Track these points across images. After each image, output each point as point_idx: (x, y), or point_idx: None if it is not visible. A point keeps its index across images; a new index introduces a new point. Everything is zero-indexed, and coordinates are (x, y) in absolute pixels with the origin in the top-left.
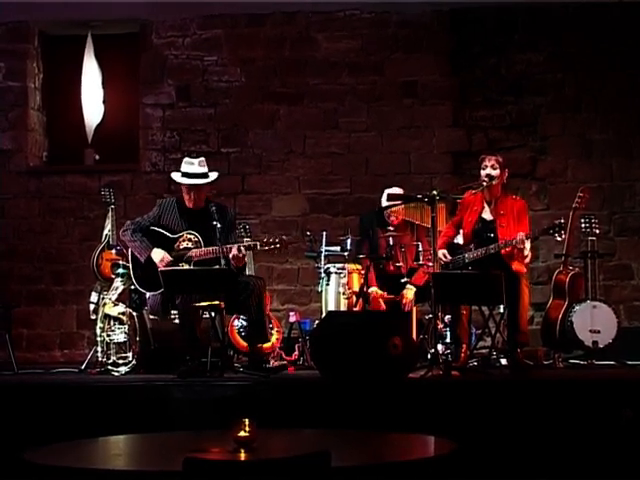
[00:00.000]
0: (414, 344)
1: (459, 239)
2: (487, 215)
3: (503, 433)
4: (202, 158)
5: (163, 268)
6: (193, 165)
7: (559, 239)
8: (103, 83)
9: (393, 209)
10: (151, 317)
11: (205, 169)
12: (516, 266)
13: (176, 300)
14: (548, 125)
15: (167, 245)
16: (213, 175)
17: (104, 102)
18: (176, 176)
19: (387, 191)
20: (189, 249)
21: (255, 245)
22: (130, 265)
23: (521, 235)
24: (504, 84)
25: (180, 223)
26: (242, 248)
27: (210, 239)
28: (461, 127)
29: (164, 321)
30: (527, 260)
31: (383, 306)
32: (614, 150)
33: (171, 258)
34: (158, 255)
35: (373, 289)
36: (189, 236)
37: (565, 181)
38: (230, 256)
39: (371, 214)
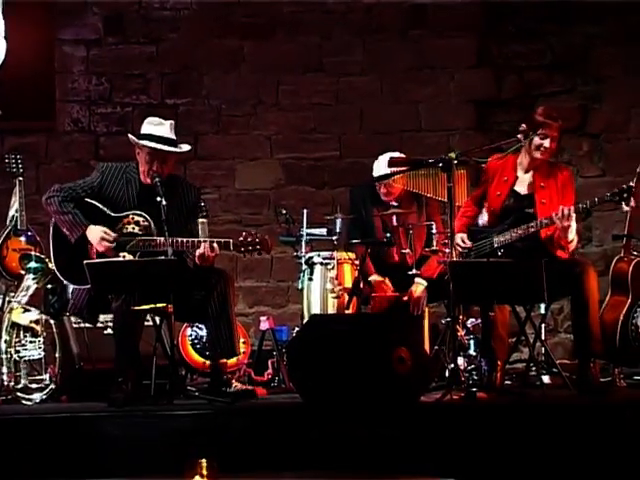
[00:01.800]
0: (427, 357)
1: (482, 218)
2: (522, 188)
3: (549, 476)
4: (172, 122)
5: (94, 260)
6: (163, 126)
7: (626, 209)
8: (3, 11)
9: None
10: (74, 322)
11: (174, 136)
12: (558, 254)
13: (112, 302)
14: (604, 63)
15: (105, 225)
16: (185, 146)
17: (5, 37)
18: (138, 138)
19: (383, 157)
20: (135, 235)
21: (227, 244)
22: (51, 246)
23: (565, 209)
24: (544, 9)
25: (130, 199)
26: (215, 245)
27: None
28: (488, 67)
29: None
30: (572, 246)
31: (391, 287)
32: None
33: (114, 235)
34: (96, 234)
35: (374, 277)
36: (137, 218)
37: (627, 137)
38: (197, 254)
39: (364, 186)
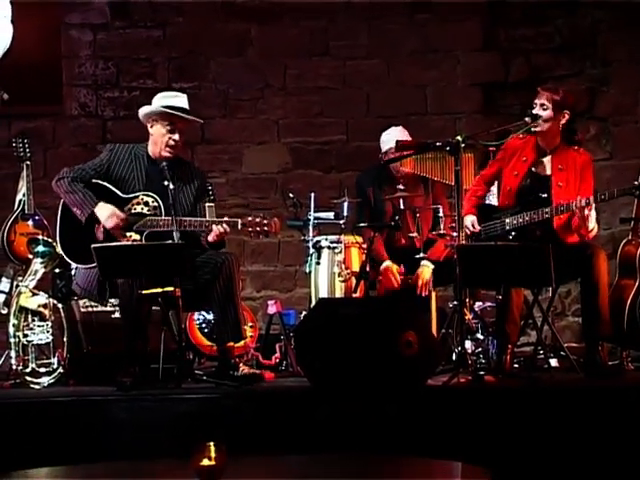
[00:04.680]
0: (434, 341)
1: (491, 198)
2: (539, 169)
3: (557, 459)
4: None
5: (102, 244)
6: (181, 98)
7: None
8: None
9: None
10: (82, 306)
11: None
12: (569, 241)
13: (119, 285)
14: (612, 46)
15: (115, 206)
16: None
17: (12, 22)
18: (158, 108)
19: (387, 134)
20: (144, 216)
21: (235, 223)
22: (58, 226)
23: (581, 200)
24: None
25: (138, 179)
26: (225, 225)
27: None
28: (494, 50)
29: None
30: (592, 234)
31: (398, 281)
32: None
33: (124, 216)
34: (105, 211)
35: (387, 264)
36: (146, 199)
37: (635, 120)
38: (209, 239)
39: (371, 171)
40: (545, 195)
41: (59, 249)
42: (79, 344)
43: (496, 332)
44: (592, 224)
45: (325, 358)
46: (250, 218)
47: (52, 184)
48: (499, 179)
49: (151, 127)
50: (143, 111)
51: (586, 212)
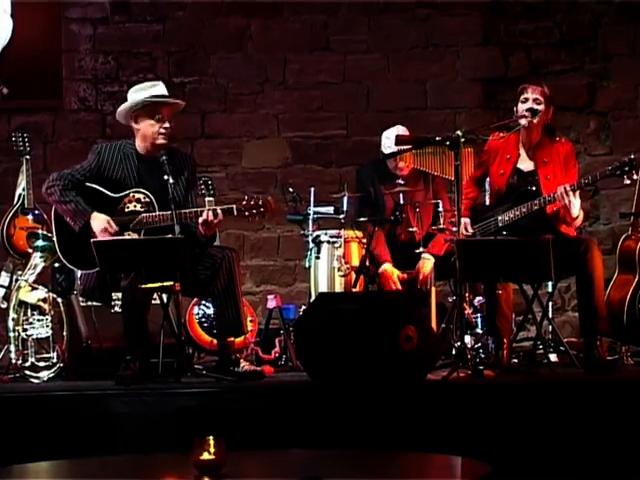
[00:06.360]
0: (434, 335)
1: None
2: (524, 165)
3: (556, 453)
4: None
5: (102, 239)
6: (160, 86)
7: (628, 182)
8: None
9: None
10: (81, 300)
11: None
12: (563, 230)
13: (122, 280)
14: (612, 41)
15: (107, 208)
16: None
17: (12, 16)
18: (136, 106)
19: (389, 132)
20: (137, 213)
21: (230, 210)
22: (54, 234)
23: (561, 189)
24: None
25: (129, 176)
26: (219, 212)
27: (167, 200)
28: (494, 45)
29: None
30: (578, 222)
31: (398, 287)
32: None
33: (117, 228)
34: (99, 223)
35: (386, 267)
36: (137, 195)
37: (635, 115)
38: (200, 221)
39: (371, 165)
40: (534, 188)
41: (60, 256)
42: (79, 338)
43: (488, 329)
44: (576, 212)
45: (325, 353)
46: (244, 202)
47: (42, 192)
48: (486, 179)
49: (137, 123)
50: (125, 109)
51: (564, 201)
